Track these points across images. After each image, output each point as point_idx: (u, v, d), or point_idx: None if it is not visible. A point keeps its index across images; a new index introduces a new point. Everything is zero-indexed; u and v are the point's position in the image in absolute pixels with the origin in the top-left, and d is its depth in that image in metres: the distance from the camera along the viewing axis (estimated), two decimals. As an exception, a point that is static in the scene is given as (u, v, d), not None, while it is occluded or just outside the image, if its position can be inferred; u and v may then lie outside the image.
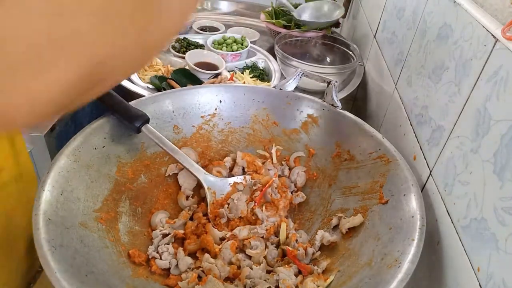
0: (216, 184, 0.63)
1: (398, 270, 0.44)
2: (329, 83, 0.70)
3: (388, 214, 0.53)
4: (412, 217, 0.50)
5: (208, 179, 0.63)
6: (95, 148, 0.58)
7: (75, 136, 0.57)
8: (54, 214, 0.47)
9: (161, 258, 0.53)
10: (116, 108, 0.60)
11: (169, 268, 0.53)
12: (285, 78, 0.98)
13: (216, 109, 0.71)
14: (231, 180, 0.64)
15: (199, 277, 0.52)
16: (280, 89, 0.72)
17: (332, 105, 0.69)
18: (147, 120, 0.60)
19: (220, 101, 0.71)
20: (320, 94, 0.89)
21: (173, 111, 0.68)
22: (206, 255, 0.54)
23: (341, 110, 0.68)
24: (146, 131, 0.60)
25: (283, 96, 0.72)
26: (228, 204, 0.62)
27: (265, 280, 0.52)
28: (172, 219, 0.59)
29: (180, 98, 0.69)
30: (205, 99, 0.71)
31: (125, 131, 0.62)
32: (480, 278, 0.40)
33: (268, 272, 0.54)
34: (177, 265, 0.53)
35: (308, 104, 0.71)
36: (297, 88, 0.73)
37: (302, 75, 0.72)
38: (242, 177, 0.65)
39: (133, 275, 0.50)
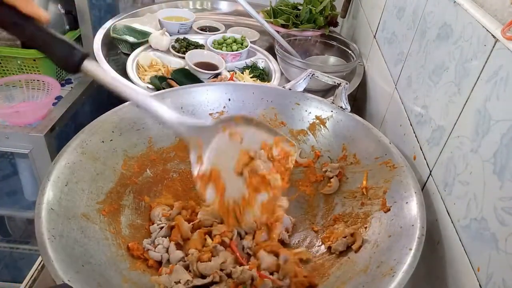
0: (202, 132, 0.47)
1: (392, 279, 0.43)
2: (339, 85, 0.69)
3: (389, 221, 0.53)
4: (412, 225, 0.49)
5: (186, 124, 0.46)
6: (103, 141, 0.59)
7: (83, 129, 0.58)
8: (57, 204, 0.49)
9: (155, 250, 0.54)
10: (46, 48, 0.45)
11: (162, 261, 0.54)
12: (285, 77, 0.98)
13: (224, 106, 0.71)
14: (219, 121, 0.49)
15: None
16: (290, 89, 0.72)
17: (341, 107, 0.68)
18: (85, 55, 0.45)
19: (229, 99, 0.71)
20: (322, 92, 0.89)
21: (181, 108, 0.69)
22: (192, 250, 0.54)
23: (349, 113, 0.68)
24: (86, 68, 0.45)
25: (292, 97, 0.71)
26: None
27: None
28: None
29: (188, 95, 0.70)
30: (214, 97, 0.71)
31: (133, 125, 0.63)
32: (480, 278, 0.39)
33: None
34: (168, 260, 0.54)
35: (317, 105, 0.70)
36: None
37: (312, 75, 0.71)
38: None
39: (130, 267, 0.51)
